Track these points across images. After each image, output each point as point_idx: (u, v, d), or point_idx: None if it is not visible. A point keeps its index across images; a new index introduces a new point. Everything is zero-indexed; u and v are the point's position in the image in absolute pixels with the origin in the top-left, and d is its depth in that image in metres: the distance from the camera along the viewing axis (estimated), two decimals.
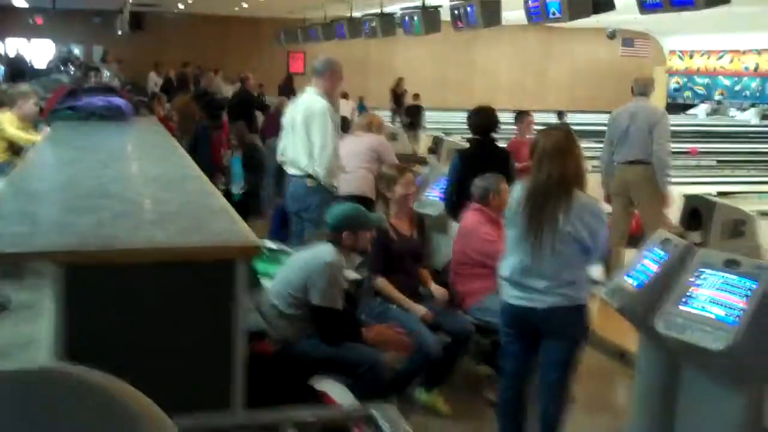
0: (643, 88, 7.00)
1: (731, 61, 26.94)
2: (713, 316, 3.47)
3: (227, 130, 11.13)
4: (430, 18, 11.88)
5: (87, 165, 4.01)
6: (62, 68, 18.29)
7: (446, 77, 26.22)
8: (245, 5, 19.12)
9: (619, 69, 26.23)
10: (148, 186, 3.66)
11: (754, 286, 3.41)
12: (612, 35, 26.05)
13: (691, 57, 28.23)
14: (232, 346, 2.57)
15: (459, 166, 5.73)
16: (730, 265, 3.57)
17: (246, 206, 7.26)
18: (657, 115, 6.86)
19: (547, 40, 27.33)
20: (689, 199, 7.40)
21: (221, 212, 2.98)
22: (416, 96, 18.58)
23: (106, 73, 15.26)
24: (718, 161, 17.22)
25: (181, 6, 20.38)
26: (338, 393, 3.83)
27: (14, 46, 22.84)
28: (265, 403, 2.19)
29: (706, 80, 27.94)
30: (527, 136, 7.71)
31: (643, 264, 4.02)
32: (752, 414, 3.57)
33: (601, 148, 7.22)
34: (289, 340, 4.09)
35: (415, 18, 12.10)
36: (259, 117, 12.08)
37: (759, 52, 25.74)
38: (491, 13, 9.79)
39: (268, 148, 10.44)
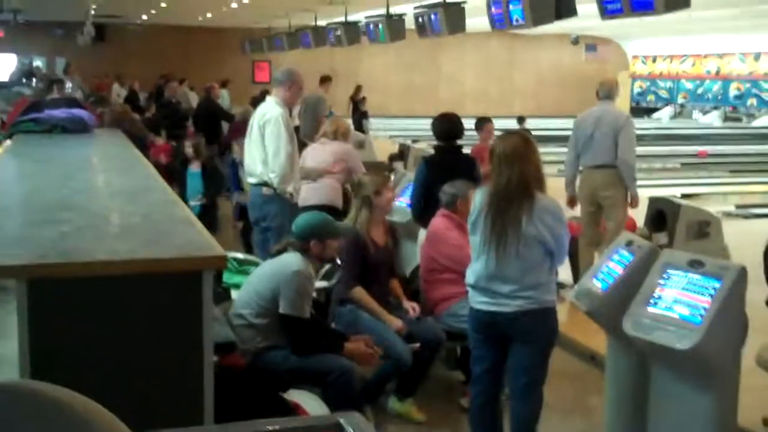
0: (607, 92, 7.06)
1: (693, 64, 27.32)
2: (678, 316, 3.51)
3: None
4: (394, 26, 11.92)
5: (49, 178, 3.95)
6: (24, 81, 18.09)
7: (412, 85, 26.30)
8: (209, 15, 19.04)
9: (583, 74, 26.49)
10: (111, 198, 3.62)
11: (718, 285, 3.45)
12: (575, 41, 26.33)
13: (654, 61, 28.59)
14: (200, 358, 2.54)
15: (425, 172, 5.73)
16: (694, 265, 3.61)
17: (203, 219, 7.21)
18: (622, 120, 6.92)
19: (512, 47, 27.55)
20: (654, 201, 7.46)
21: (185, 223, 2.95)
22: (362, 100, 18.68)
23: (68, 85, 15.10)
24: (683, 164, 17.45)
25: (144, 17, 20.25)
26: (311, 404, 3.80)
27: None
28: (236, 418, 2.17)
29: (669, 84, 28.30)
30: (489, 143, 7.75)
31: (609, 266, 4.05)
32: (722, 411, 3.61)
33: (566, 152, 7.27)
34: (259, 351, 4.06)
35: (380, 26, 12.13)
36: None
37: (720, 55, 26.14)
38: (455, 20, 9.84)
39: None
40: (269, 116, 5.81)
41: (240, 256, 5.62)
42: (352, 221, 4.91)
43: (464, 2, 9.78)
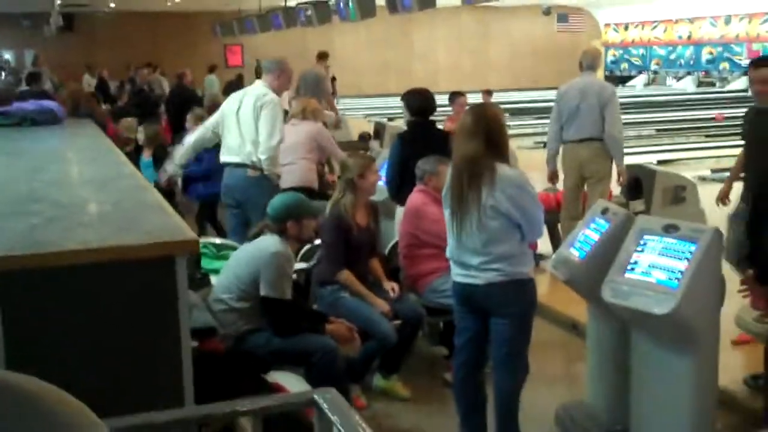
0: (590, 62, 7.02)
1: (665, 30, 27.37)
2: (655, 281, 3.52)
3: (168, 126, 11.01)
4: (364, 3, 11.85)
5: (18, 170, 3.91)
6: None
7: (385, 62, 26.21)
8: (177, 0, 18.85)
9: (557, 45, 26.53)
10: (81, 188, 3.58)
11: (694, 248, 3.47)
12: (547, 11, 26.26)
13: (626, 29, 28.62)
14: (178, 343, 2.53)
15: (399, 149, 5.71)
16: (669, 229, 3.62)
17: None
18: (607, 93, 6.86)
19: (484, 21, 27.48)
20: (629, 168, 7.47)
21: (156, 209, 2.92)
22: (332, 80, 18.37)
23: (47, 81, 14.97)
24: (657, 130, 17.52)
25: (111, 4, 20.01)
26: (295, 384, 3.80)
27: None
28: (218, 401, 2.16)
29: (642, 51, 28.36)
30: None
31: (586, 235, 4.06)
32: (702, 373, 3.64)
33: (542, 125, 7.25)
34: (240, 335, 4.05)
35: (350, 3, 12.05)
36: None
37: (691, 20, 26.20)
38: None
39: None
40: (267, 99, 5.83)
41: (217, 241, 5.59)
42: (335, 204, 4.87)
43: None
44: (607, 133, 6.70)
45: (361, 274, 4.82)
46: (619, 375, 3.97)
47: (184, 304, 2.53)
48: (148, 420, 1.71)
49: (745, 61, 23.77)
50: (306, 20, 14.53)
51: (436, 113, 5.96)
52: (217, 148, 6.16)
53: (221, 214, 7.32)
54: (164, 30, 23.59)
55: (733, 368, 4.77)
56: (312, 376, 3.95)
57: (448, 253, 3.92)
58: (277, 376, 3.84)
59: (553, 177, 7.12)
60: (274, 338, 4.07)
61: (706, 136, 16.53)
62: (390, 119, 13.33)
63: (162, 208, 2.96)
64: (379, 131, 9.76)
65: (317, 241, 5.09)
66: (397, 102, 6.33)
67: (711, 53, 25.85)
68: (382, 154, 7.09)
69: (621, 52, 28.63)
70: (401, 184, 5.49)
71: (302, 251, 5.34)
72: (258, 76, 19.57)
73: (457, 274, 3.87)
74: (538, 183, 7.14)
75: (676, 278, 3.45)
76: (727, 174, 6.37)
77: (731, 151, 14.37)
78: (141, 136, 7.89)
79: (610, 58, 28.76)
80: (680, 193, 7.01)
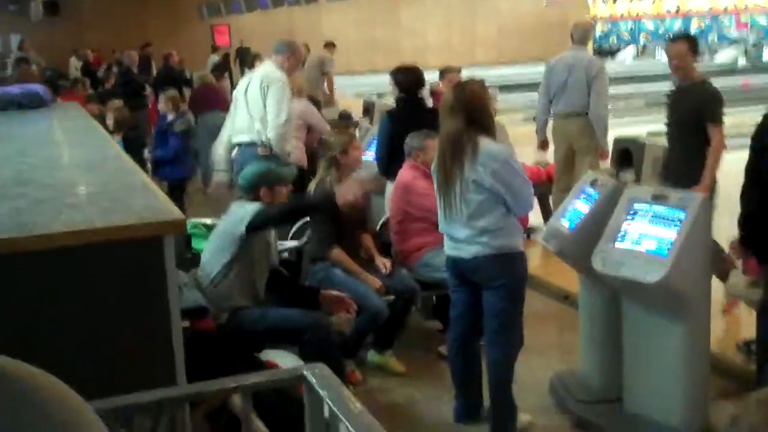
0: (581, 36, 7.01)
1: (653, 3, 27.24)
2: (645, 251, 3.53)
3: (154, 107, 10.96)
4: None
5: (4, 154, 3.87)
6: None
7: (374, 40, 26.08)
8: None
9: (545, 20, 26.40)
10: (68, 170, 3.55)
11: (683, 216, 3.47)
12: None
13: (614, 2, 28.48)
14: (168, 323, 2.52)
15: (388, 125, 5.70)
16: (658, 198, 3.62)
17: None
18: (595, 68, 6.85)
19: None
20: (618, 141, 7.46)
21: (143, 190, 2.90)
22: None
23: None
24: (647, 103, 17.49)
25: None
26: (289, 362, 3.79)
27: None
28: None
29: (630, 25, 28.25)
30: None
31: (575, 206, 4.06)
32: (694, 339, 3.65)
33: (530, 100, 7.25)
34: (232, 312, 4.03)
35: None
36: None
37: None
38: None
39: (199, 124, 10.25)
40: (274, 78, 5.94)
41: (209, 221, 5.57)
42: (320, 181, 4.86)
43: None
44: (592, 110, 6.73)
45: (352, 250, 4.82)
46: (611, 344, 3.99)
47: (173, 284, 2.51)
48: (135, 400, 1.70)
49: (733, 32, 23.74)
50: (293, 0, 14.46)
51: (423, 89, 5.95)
52: (186, 132, 6.24)
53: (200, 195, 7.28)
54: (151, 12, 23.39)
55: (725, 334, 4.80)
56: (305, 353, 3.95)
57: (440, 227, 3.94)
58: (270, 355, 3.83)
59: (543, 145, 7.13)
60: (266, 314, 4.06)
61: None
62: (379, 95, 13.28)
63: (149, 188, 2.94)
64: (368, 108, 9.72)
65: (307, 219, 5.09)
66: (385, 79, 6.31)
67: (699, 26, 25.76)
68: (372, 131, 7.07)
69: (610, 26, 28.53)
70: (391, 161, 5.48)
71: (293, 229, 5.34)
72: (240, 58, 19.46)
73: (449, 248, 3.90)
74: (530, 157, 7.14)
75: (666, 247, 3.46)
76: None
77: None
78: (110, 122, 7.54)
79: (598, 32, 28.65)
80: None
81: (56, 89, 8.60)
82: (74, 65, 18.47)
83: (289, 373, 1.70)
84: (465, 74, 6.82)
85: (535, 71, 7.24)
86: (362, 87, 14.16)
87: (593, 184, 4.10)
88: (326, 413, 1.62)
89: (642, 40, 28.32)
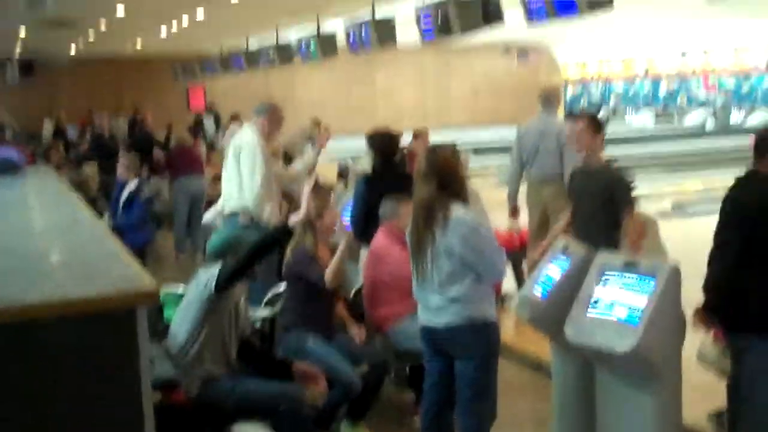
0: (548, 101, 7.10)
1: (623, 65, 27.75)
2: (616, 319, 3.54)
3: None
4: (326, 43, 11.95)
5: None
6: None
7: (349, 103, 26.30)
8: (138, 47, 18.82)
9: (518, 82, 26.79)
10: (39, 238, 3.53)
11: (652, 284, 3.50)
12: (507, 50, 26.59)
13: (585, 65, 28.99)
14: (138, 396, 2.49)
15: (364, 190, 5.72)
16: (629, 266, 3.65)
17: None
18: (565, 135, 6.93)
19: (446, 60, 27.71)
20: None
21: (115, 257, 2.89)
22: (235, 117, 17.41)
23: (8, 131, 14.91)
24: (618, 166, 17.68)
25: (72, 52, 19.91)
26: None
27: None
28: None
29: (601, 87, 28.72)
30: None
31: (547, 273, 4.08)
32: (666, 409, 3.65)
33: (504, 164, 7.29)
34: (203, 384, 3.97)
35: (312, 44, 12.14)
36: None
37: (648, 56, 26.57)
38: (386, 34, 9.87)
39: (175, 188, 10.24)
40: (244, 142, 6.04)
41: (179, 291, 5.51)
42: (298, 244, 4.82)
43: (393, 18, 9.84)
44: (565, 177, 6.77)
45: (325, 316, 4.79)
46: (584, 414, 3.97)
47: (146, 357, 2.49)
48: None
49: (702, 95, 24.24)
50: (268, 62, 14.59)
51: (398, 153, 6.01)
52: (147, 200, 6.29)
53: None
54: (125, 75, 23.45)
55: (697, 403, 4.79)
56: (279, 426, 3.89)
57: (414, 293, 3.94)
58: (242, 428, 3.78)
59: (514, 213, 7.16)
60: (238, 385, 4.00)
61: (666, 171, 16.76)
62: (353, 159, 13.34)
63: (120, 255, 2.93)
64: (342, 173, 9.77)
65: (282, 287, 5.06)
66: (361, 142, 6.36)
67: (669, 88, 26.26)
68: (347, 195, 7.08)
69: (580, 88, 29.01)
70: (367, 225, 5.49)
71: (265, 298, 5.30)
72: (216, 119, 19.54)
73: (422, 316, 3.89)
74: (503, 222, 7.18)
75: (636, 316, 3.48)
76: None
77: (691, 185, 14.66)
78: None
79: (569, 95, 29.11)
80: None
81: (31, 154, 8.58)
82: (47, 128, 18.52)
83: None
84: (440, 137, 6.89)
85: (510, 134, 7.30)
86: (337, 151, 14.23)
87: (564, 251, 4.13)
88: None
89: (613, 102, 28.75)
